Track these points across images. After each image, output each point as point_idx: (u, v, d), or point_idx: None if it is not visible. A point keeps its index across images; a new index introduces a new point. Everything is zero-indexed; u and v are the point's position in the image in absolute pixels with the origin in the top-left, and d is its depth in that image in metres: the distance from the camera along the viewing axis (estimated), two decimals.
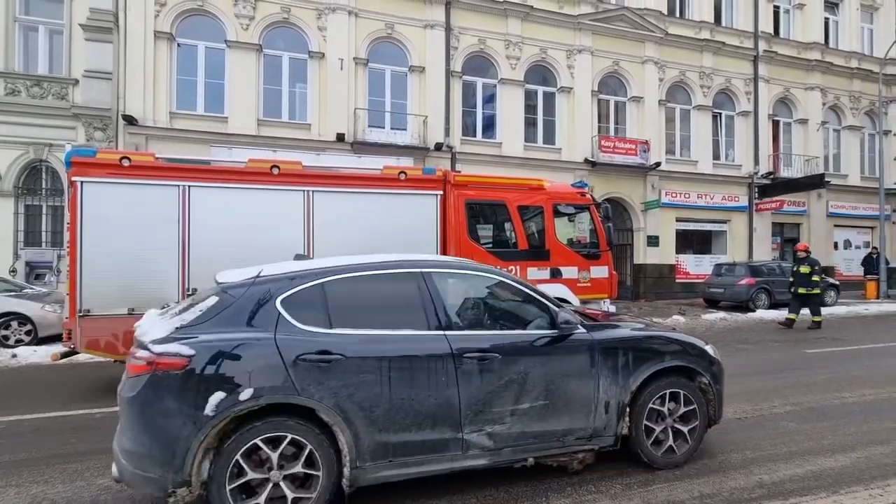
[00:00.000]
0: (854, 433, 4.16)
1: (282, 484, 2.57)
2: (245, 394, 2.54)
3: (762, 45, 17.75)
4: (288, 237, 5.96)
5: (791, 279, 10.79)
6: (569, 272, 7.35)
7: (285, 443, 2.58)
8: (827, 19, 19.32)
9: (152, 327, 2.81)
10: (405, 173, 6.43)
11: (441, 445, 2.92)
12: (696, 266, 17.10)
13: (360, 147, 12.86)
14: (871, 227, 18.82)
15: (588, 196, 7.78)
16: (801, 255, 10.75)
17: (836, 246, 19.21)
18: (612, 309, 7.88)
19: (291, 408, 2.64)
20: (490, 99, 15.11)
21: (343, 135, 13.03)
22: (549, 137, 15.59)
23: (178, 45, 12.27)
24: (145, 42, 11.76)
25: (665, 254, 16.51)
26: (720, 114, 17.70)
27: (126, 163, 5.47)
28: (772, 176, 17.77)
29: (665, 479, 3.32)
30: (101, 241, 5.36)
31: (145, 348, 2.60)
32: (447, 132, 14.06)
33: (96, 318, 5.35)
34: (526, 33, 14.93)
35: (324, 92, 13.15)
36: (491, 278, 3.46)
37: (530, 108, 15.44)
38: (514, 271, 7.01)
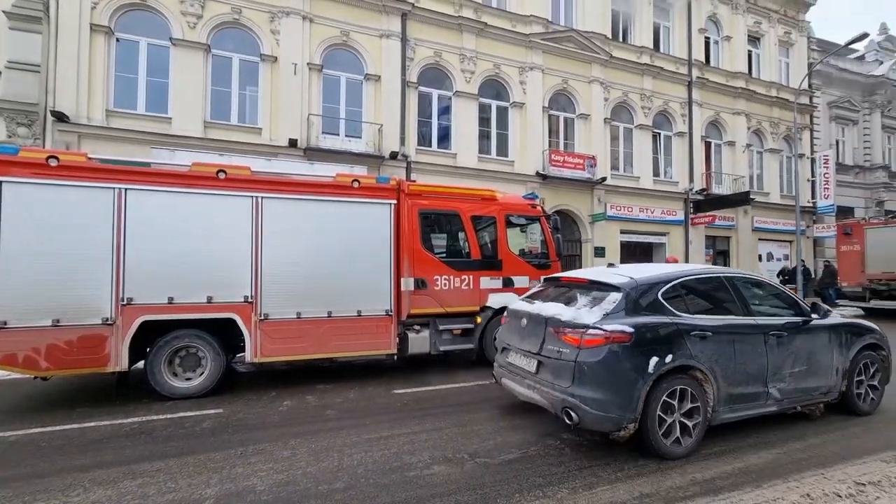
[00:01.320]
0: (776, 431, 4.53)
1: (680, 418, 3.90)
2: (668, 358, 3.81)
3: (695, 72, 19.20)
4: (234, 245, 5.75)
5: None
6: (520, 281, 7.54)
7: (684, 394, 3.92)
8: (750, 52, 21.22)
9: (573, 313, 4.04)
10: (359, 181, 6.38)
11: (754, 396, 4.31)
12: None
13: (314, 153, 12.61)
14: (790, 241, 20.67)
15: (539, 208, 8.04)
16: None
17: (760, 258, 20.92)
18: None
19: (685, 367, 3.92)
20: (445, 111, 15.32)
21: (296, 140, 12.73)
22: (503, 150, 16.00)
23: (118, 39, 11.53)
24: (80, 35, 10.96)
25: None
26: (659, 133, 18.90)
27: (54, 162, 5.07)
28: (705, 192, 19.14)
29: (608, 480, 3.47)
30: (22, 246, 4.92)
31: (588, 327, 3.80)
32: (402, 141, 14.09)
33: (14, 330, 4.88)
34: (480, 48, 15.32)
35: (276, 96, 12.82)
36: (762, 282, 5.04)
37: (484, 120, 15.79)
38: (467, 281, 7.13)
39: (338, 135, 13.57)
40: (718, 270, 4.84)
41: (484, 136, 15.71)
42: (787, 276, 17.84)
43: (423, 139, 14.94)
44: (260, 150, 12.08)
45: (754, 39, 21.37)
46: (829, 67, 22.80)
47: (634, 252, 18.38)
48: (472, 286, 7.16)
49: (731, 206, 18.57)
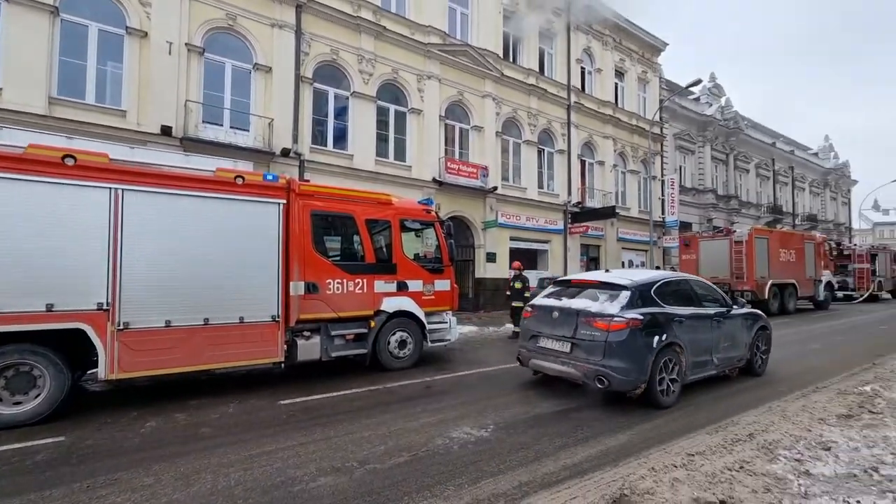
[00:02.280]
0: (631, 415, 5.22)
1: (668, 379, 5.53)
2: (664, 337, 5.40)
3: (573, 97, 21.41)
4: (85, 244, 4.93)
5: (508, 293, 12.01)
6: (415, 285, 7.65)
7: (671, 362, 5.56)
8: (617, 84, 24.31)
9: (599, 306, 5.50)
10: (243, 178, 5.92)
11: (703, 364, 6.11)
12: None
13: (192, 144, 11.39)
14: (646, 250, 24.01)
15: (433, 213, 8.25)
16: (516, 272, 11.95)
17: (623, 265, 23.94)
18: (454, 320, 8.45)
19: (671, 343, 5.53)
20: (342, 111, 14.95)
21: (170, 128, 11.38)
22: (400, 154, 16.10)
23: None
24: None
25: (501, 269, 18.37)
26: (543, 149, 20.67)
27: None
28: (580, 205, 21.38)
29: (491, 473, 3.68)
30: None
31: (613, 316, 5.29)
32: (295, 139, 13.41)
33: None
34: (379, 51, 15.27)
35: (145, 76, 11.32)
36: (708, 284, 6.97)
37: (382, 123, 15.75)
38: (361, 284, 7.02)
39: (221, 126, 12.45)
40: (681, 275, 7.13)
41: (382, 140, 15.65)
42: None
43: (319, 138, 14.40)
44: (124, 136, 10.58)
45: (620, 74, 24.50)
46: (675, 105, 27.08)
47: (522, 258, 19.75)
48: (366, 290, 7.07)
49: (600, 218, 20.98)
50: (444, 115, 16.99)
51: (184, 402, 5.53)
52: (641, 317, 5.37)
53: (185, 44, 11.81)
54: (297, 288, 6.37)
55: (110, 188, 5.08)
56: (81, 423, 4.79)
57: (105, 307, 5.00)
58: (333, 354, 6.78)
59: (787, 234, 19.24)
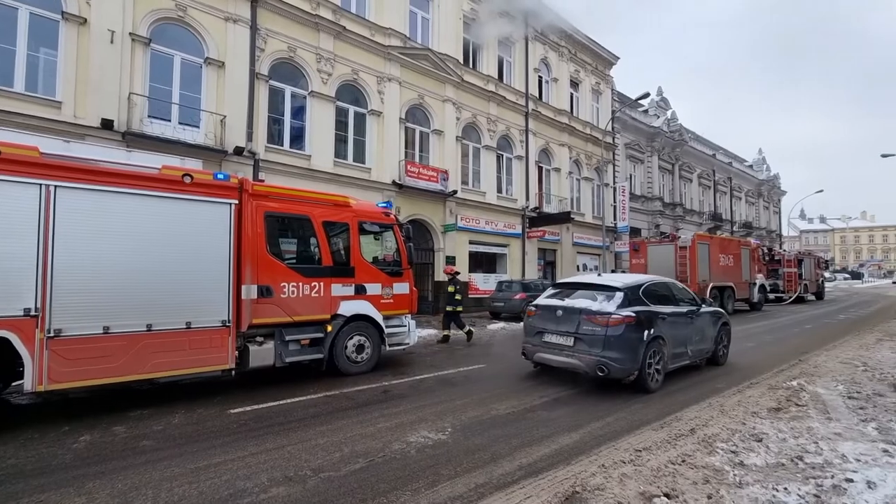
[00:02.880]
0: (583, 414, 5.40)
1: (655, 368, 6.44)
2: (652, 331, 6.28)
3: (531, 105, 21.98)
4: (9, 244, 4.53)
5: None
6: (373, 289, 7.57)
7: (657, 353, 6.43)
8: (572, 94, 25.18)
9: (599, 305, 6.35)
10: (191, 176, 5.64)
11: (681, 355, 7.01)
12: (485, 283, 19.69)
13: (136, 139, 10.76)
14: (599, 255, 24.95)
15: (392, 216, 8.20)
16: (448, 276, 11.82)
17: (578, 268, 24.76)
18: (413, 323, 8.42)
19: (657, 337, 6.38)
20: (300, 110, 14.60)
21: (111, 122, 10.68)
22: (360, 156, 15.91)
23: None
24: None
25: (461, 272, 18.49)
26: (502, 155, 21.06)
27: None
28: (537, 210, 21.93)
29: (447, 476, 3.70)
30: None
31: (611, 313, 6.12)
32: (250, 137, 12.95)
33: None
34: (338, 51, 15.05)
35: (84, 66, 10.58)
36: (682, 286, 8.12)
37: (341, 124, 15.51)
38: (317, 288, 6.87)
39: (169, 121, 11.82)
40: (661, 278, 7.86)
41: (341, 141, 15.41)
42: None
43: (275, 137, 13.98)
44: (59, 128, 9.85)
45: (575, 84, 25.39)
46: (626, 116, 28.38)
47: (481, 261, 20.02)
48: (322, 293, 6.92)
49: (557, 223, 21.61)
50: (404, 117, 16.96)
51: (123, 413, 5.19)
52: (634, 314, 6.24)
53: (130, 33, 11.15)
54: (250, 291, 6.14)
55: (41, 184, 4.70)
56: (3, 439, 4.39)
57: (33, 313, 4.61)
58: (288, 360, 6.58)
59: (725, 241, 20.57)
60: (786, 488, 3.38)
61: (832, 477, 3.56)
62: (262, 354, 6.33)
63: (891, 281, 61.32)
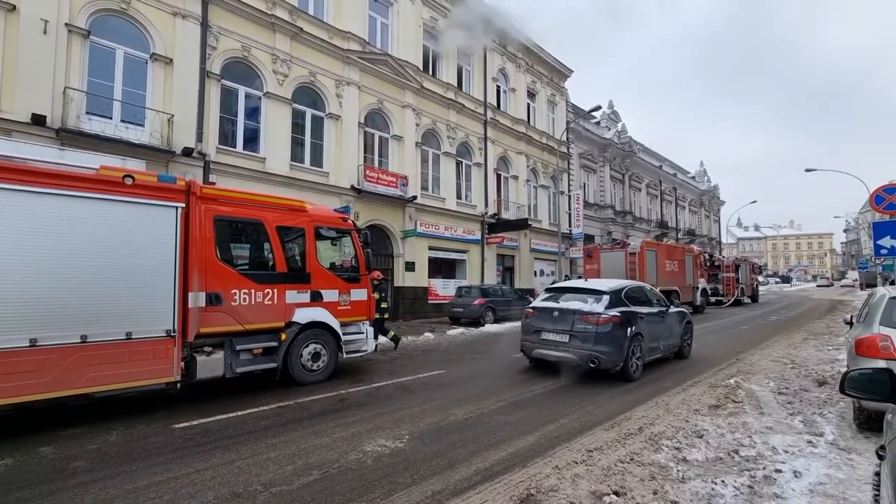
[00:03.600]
0: (539, 417, 5.52)
1: (635, 360, 7.46)
2: (633, 329, 7.32)
3: (489, 114, 22.39)
4: None
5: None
6: (330, 295, 7.42)
7: (637, 348, 7.47)
8: (529, 104, 25.89)
9: (590, 306, 7.30)
10: (133, 178, 5.31)
11: (655, 349, 8.07)
12: (444, 289, 19.75)
13: (72, 137, 10.04)
14: (555, 260, 25.66)
15: (350, 221, 8.08)
16: (375, 282, 11.45)
17: (535, 273, 25.34)
18: (371, 330, 8.31)
19: (637, 333, 7.43)
20: (254, 111, 14.14)
21: (44, 118, 9.92)
22: (317, 160, 15.60)
23: None
24: None
25: (420, 278, 18.49)
26: (462, 162, 21.29)
27: None
28: (496, 217, 22.29)
29: (404, 485, 3.67)
30: None
31: (601, 313, 7.09)
32: (200, 137, 12.40)
33: None
34: (295, 53, 14.74)
35: (11, 57, 9.78)
36: (653, 290, 9.15)
37: (298, 127, 15.16)
38: (270, 295, 6.66)
39: (110, 119, 11.12)
40: (637, 283, 8.90)
41: (298, 144, 15.06)
42: None
43: (227, 139, 13.46)
44: None
45: (532, 95, 26.13)
46: (579, 127, 29.47)
47: (441, 267, 20.08)
48: (276, 300, 6.71)
49: (515, 229, 22.05)
50: (363, 122, 16.81)
51: (53, 432, 4.79)
52: (619, 314, 7.27)
53: (66, 24, 10.43)
54: (197, 299, 5.85)
55: None
56: None
57: None
58: (239, 370, 6.31)
59: (671, 247, 21.74)
60: (723, 481, 3.60)
61: (764, 468, 3.83)
62: (211, 365, 6.04)
63: (815, 284, 66.90)
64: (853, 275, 64.87)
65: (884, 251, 8.56)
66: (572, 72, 28.60)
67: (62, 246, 4.82)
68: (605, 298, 7.40)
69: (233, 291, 6.23)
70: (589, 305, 7.37)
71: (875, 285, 28.25)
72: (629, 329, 7.26)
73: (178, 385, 5.68)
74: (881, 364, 4.14)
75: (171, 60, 12.04)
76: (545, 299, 8.15)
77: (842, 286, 61.56)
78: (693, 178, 51.75)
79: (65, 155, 5.24)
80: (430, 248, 19.20)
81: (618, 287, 7.86)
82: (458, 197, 20.81)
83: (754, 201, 48.85)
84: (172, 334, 5.49)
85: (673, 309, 9.02)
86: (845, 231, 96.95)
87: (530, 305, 8.30)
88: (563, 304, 7.66)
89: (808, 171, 32.00)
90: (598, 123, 33.79)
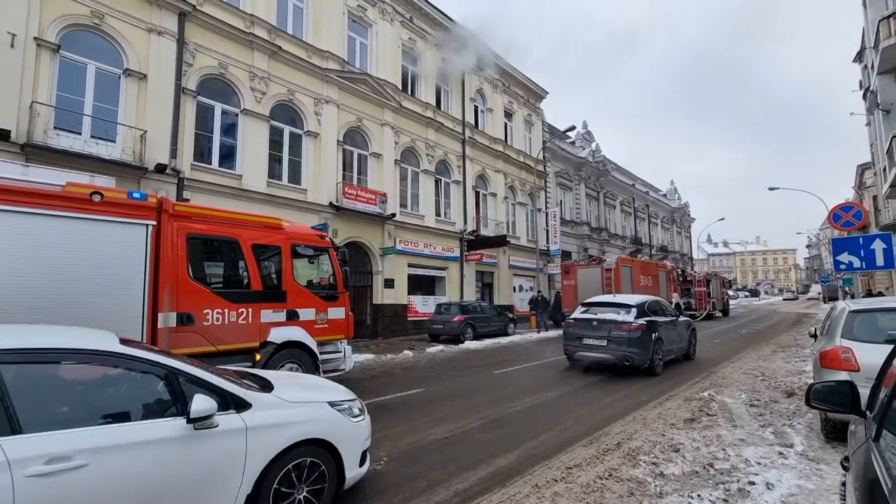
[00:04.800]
0: (519, 434, 5.49)
1: (658, 357, 9.41)
2: (656, 334, 9.32)
3: (468, 133, 22.74)
4: None
5: None
6: (306, 314, 7.29)
7: (659, 348, 9.38)
8: (506, 124, 26.43)
9: (622, 317, 9.22)
10: (101, 195, 5.17)
11: (671, 351, 10.05)
12: (424, 306, 19.65)
13: (38, 152, 9.72)
14: (534, 276, 25.92)
15: (327, 239, 8.01)
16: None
17: (514, 289, 25.50)
18: (349, 349, 8.18)
19: (658, 338, 9.38)
20: (231, 128, 14.00)
21: (8, 132, 9.57)
22: (295, 177, 15.48)
23: None
24: None
25: (399, 295, 18.37)
26: (441, 179, 21.46)
27: None
28: (475, 234, 22.45)
29: None
30: None
31: (631, 322, 9.05)
32: (174, 154, 12.17)
33: None
34: (273, 71, 14.73)
35: None
36: (667, 303, 12.81)
37: (276, 144, 15.05)
38: (245, 314, 6.50)
39: (80, 134, 10.82)
40: (654, 297, 11.04)
41: (275, 161, 14.94)
42: (535, 303, 21.73)
43: (203, 155, 13.25)
44: None
45: (509, 115, 26.71)
46: (555, 146, 30.20)
47: (420, 284, 20.01)
48: (251, 320, 6.55)
49: (493, 246, 22.22)
50: (342, 139, 16.83)
51: None
52: (646, 322, 9.16)
53: (35, 38, 10.19)
54: (168, 319, 5.67)
55: None
56: None
57: None
58: None
59: (645, 263, 22.28)
60: (699, 495, 3.64)
61: (738, 481, 3.89)
62: None
63: (782, 298, 69.35)
64: (817, 288, 67.70)
65: (843, 266, 8.96)
66: (547, 93, 29.42)
67: (23, 265, 4.62)
68: (634, 311, 9.26)
69: (205, 311, 6.06)
70: (621, 316, 9.21)
71: (837, 298, 29.54)
72: (653, 334, 9.16)
73: None
74: (843, 376, 4.30)
75: (145, 76, 11.87)
76: (583, 312, 9.97)
77: (808, 299, 64.03)
78: (664, 195, 53.42)
79: (29, 171, 5.08)
80: (410, 265, 19.14)
81: (641, 301, 9.78)
82: (438, 214, 20.91)
83: (722, 219, 50.84)
84: None
85: (681, 318, 11.00)
86: (807, 247, 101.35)
87: (571, 317, 10.18)
88: (599, 315, 9.48)
89: (770, 189, 33.51)
90: (573, 143, 34.69)
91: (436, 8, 21.05)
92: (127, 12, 11.67)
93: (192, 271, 6.05)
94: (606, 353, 9.13)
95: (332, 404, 3.52)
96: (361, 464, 3.59)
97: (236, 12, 13.93)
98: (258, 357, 6.56)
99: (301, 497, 3.12)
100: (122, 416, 2.58)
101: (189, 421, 2.63)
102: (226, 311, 6.28)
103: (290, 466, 3.06)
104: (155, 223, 5.59)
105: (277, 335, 6.80)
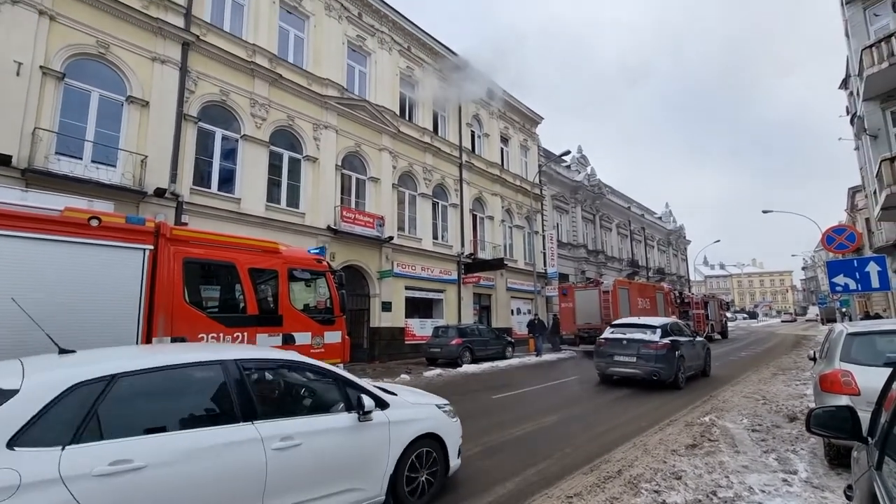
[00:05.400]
0: (517, 462, 5.38)
1: (681, 372, 10.62)
2: (680, 352, 10.51)
3: (465, 157, 23.07)
4: None
5: None
6: (302, 338, 7.23)
7: (682, 364, 10.61)
8: (502, 148, 26.85)
9: (649, 336, 10.38)
10: (99, 219, 5.20)
11: (690, 367, 11.11)
12: (421, 329, 19.49)
13: (39, 177, 9.78)
14: (531, 299, 25.85)
15: (324, 263, 8.02)
16: None
17: (512, 312, 25.38)
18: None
19: (681, 355, 10.55)
20: (231, 153, 14.16)
21: (9, 157, 9.66)
22: (294, 201, 15.58)
23: None
24: None
25: (396, 318, 18.24)
26: (438, 202, 21.64)
27: None
28: (472, 257, 22.49)
29: None
30: None
31: (658, 341, 10.21)
32: (174, 178, 12.26)
33: None
34: (274, 97, 15.02)
35: None
36: (686, 324, 14.87)
37: (275, 168, 15.21)
38: (240, 338, 6.44)
39: (80, 159, 10.92)
40: (675, 319, 12.82)
41: (274, 185, 15.06)
42: (532, 327, 21.45)
43: (203, 179, 13.37)
44: None
45: (505, 139, 27.16)
46: (551, 170, 30.61)
47: (418, 307, 19.90)
48: (245, 344, 6.48)
49: (491, 269, 22.23)
50: (340, 164, 17.03)
51: None
52: (670, 342, 10.22)
53: (41, 66, 10.40)
54: None
55: None
56: None
57: None
58: None
59: (642, 286, 22.29)
60: None
61: None
62: None
63: (780, 320, 69.17)
64: (814, 310, 67.59)
65: (838, 288, 8.99)
66: (542, 118, 30.01)
67: (18, 289, 4.58)
68: (659, 331, 10.40)
69: (200, 336, 6.01)
70: (649, 336, 10.29)
71: (835, 320, 29.49)
72: (677, 352, 10.20)
73: None
74: (844, 400, 4.27)
75: (148, 103, 12.07)
76: (612, 332, 11.12)
77: (806, 321, 63.88)
78: (660, 218, 53.86)
79: (27, 196, 5.11)
80: (407, 288, 19.08)
81: (664, 322, 11.08)
82: (435, 237, 20.98)
83: (718, 241, 51.16)
84: None
85: (698, 338, 12.14)
86: (803, 269, 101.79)
87: (602, 337, 11.30)
88: (629, 335, 10.59)
89: (764, 212, 33.88)
90: (568, 167, 35.17)
91: (433, 38, 21.67)
92: (132, 42, 11.96)
93: (189, 295, 6.03)
94: (636, 369, 10.12)
95: (437, 406, 4.38)
96: (458, 456, 4.42)
97: (239, 42, 14.30)
98: None
99: (423, 479, 3.97)
100: (316, 410, 3.51)
101: (360, 414, 3.51)
102: (221, 335, 6.22)
103: (414, 455, 3.88)
104: (152, 247, 5.61)
105: None
